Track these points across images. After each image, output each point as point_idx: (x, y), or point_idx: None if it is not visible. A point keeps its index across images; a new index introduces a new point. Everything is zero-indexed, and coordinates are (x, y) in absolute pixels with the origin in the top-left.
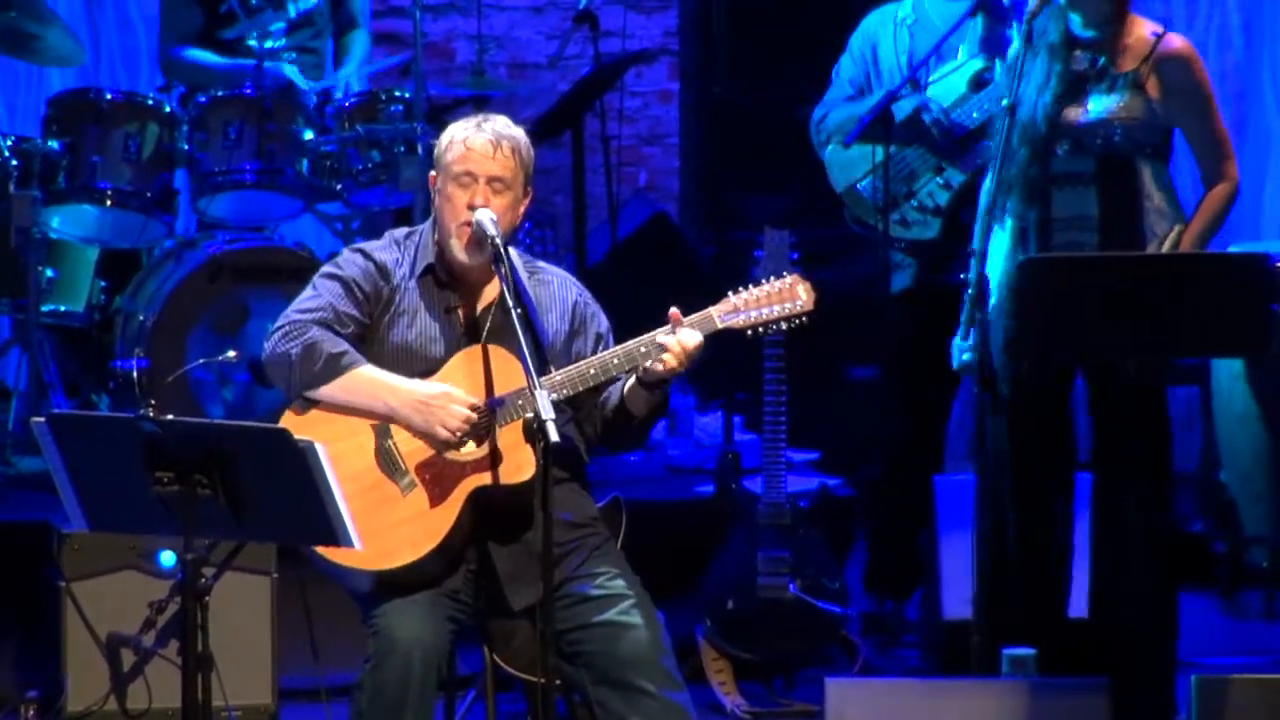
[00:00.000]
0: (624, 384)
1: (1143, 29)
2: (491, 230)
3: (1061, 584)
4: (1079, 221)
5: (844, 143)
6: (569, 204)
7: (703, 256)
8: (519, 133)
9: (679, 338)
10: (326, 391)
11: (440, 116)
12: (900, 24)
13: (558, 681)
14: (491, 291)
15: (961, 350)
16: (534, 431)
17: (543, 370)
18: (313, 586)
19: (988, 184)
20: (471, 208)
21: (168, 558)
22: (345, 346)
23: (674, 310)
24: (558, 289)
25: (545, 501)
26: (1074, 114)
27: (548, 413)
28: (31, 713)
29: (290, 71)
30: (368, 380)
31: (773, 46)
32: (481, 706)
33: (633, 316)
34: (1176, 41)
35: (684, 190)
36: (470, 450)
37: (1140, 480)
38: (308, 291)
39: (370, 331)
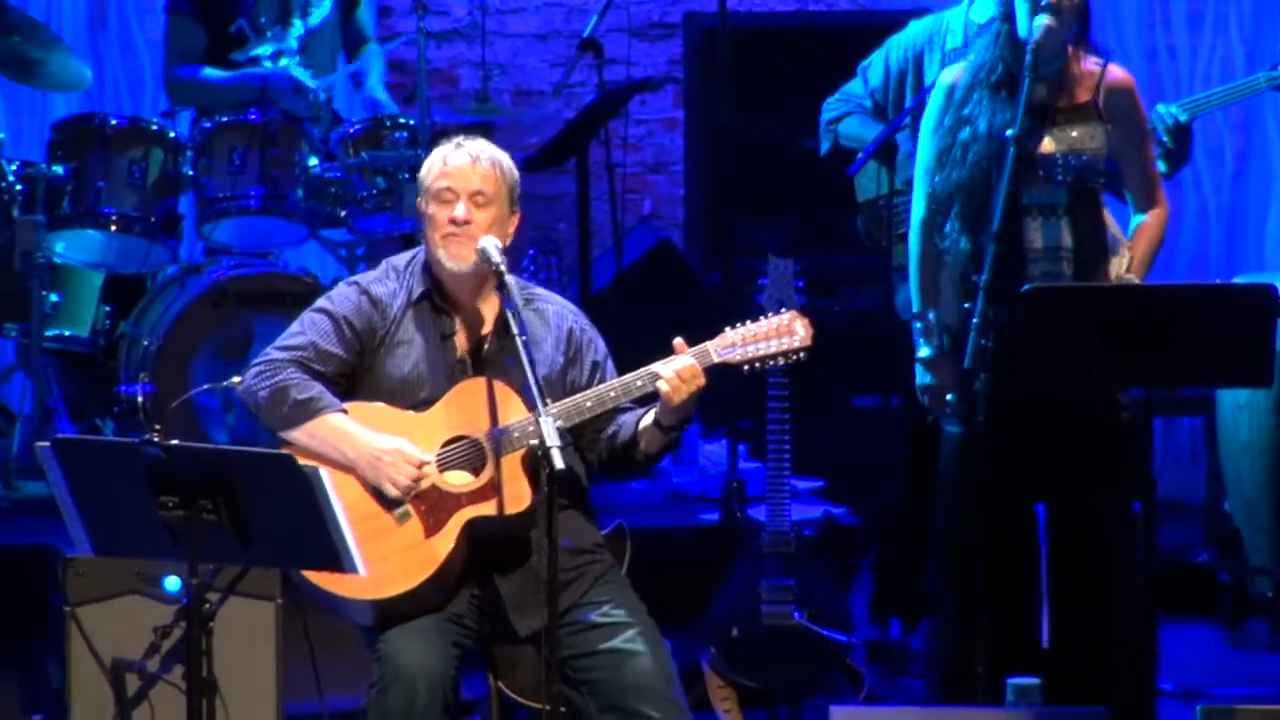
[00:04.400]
0: (639, 420)
1: (1085, 61)
2: (496, 258)
3: (1034, 614)
4: (1055, 252)
5: (847, 172)
6: (573, 231)
7: (707, 284)
8: (500, 152)
9: (674, 367)
10: (293, 435)
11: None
12: (948, 54)
13: (562, 709)
14: (488, 318)
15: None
16: (539, 458)
17: (540, 401)
18: (315, 612)
19: (917, 209)
20: (454, 221)
21: (172, 583)
22: (314, 392)
23: (678, 341)
24: (553, 317)
25: (551, 528)
26: (1045, 146)
27: (553, 440)
28: None
29: (297, 72)
30: (330, 429)
31: (777, 75)
32: None
33: (636, 344)
34: (1119, 72)
35: (688, 218)
36: (467, 481)
37: (1115, 508)
38: (294, 326)
39: (365, 365)
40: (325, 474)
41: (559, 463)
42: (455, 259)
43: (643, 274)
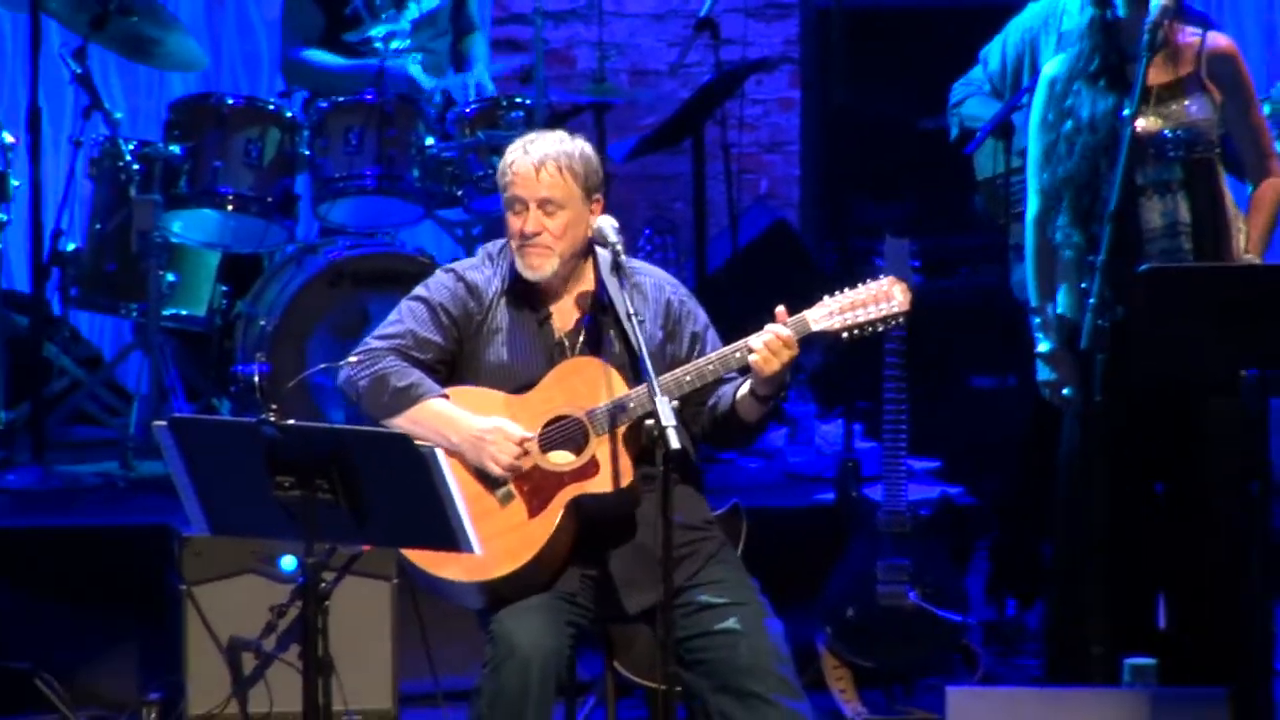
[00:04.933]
0: (736, 390)
1: (1183, 33)
2: (613, 238)
3: (1150, 596)
4: (1173, 229)
5: (964, 151)
6: (689, 211)
7: (822, 264)
8: (572, 146)
9: (764, 339)
10: (395, 423)
11: (561, 123)
12: (1064, 35)
13: (678, 688)
14: (582, 303)
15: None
16: (653, 438)
17: (637, 374)
18: (406, 594)
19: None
20: (524, 234)
21: (289, 562)
22: (413, 378)
23: (779, 309)
24: (650, 290)
25: (666, 507)
26: (1151, 124)
27: (668, 419)
28: (153, 716)
29: (414, 70)
30: (431, 414)
31: (893, 54)
32: (602, 712)
33: (752, 323)
34: (1220, 40)
35: (804, 198)
36: (569, 460)
37: (1232, 489)
38: (392, 315)
39: (465, 351)
40: (441, 453)
41: (675, 443)
42: (530, 269)
43: (759, 254)
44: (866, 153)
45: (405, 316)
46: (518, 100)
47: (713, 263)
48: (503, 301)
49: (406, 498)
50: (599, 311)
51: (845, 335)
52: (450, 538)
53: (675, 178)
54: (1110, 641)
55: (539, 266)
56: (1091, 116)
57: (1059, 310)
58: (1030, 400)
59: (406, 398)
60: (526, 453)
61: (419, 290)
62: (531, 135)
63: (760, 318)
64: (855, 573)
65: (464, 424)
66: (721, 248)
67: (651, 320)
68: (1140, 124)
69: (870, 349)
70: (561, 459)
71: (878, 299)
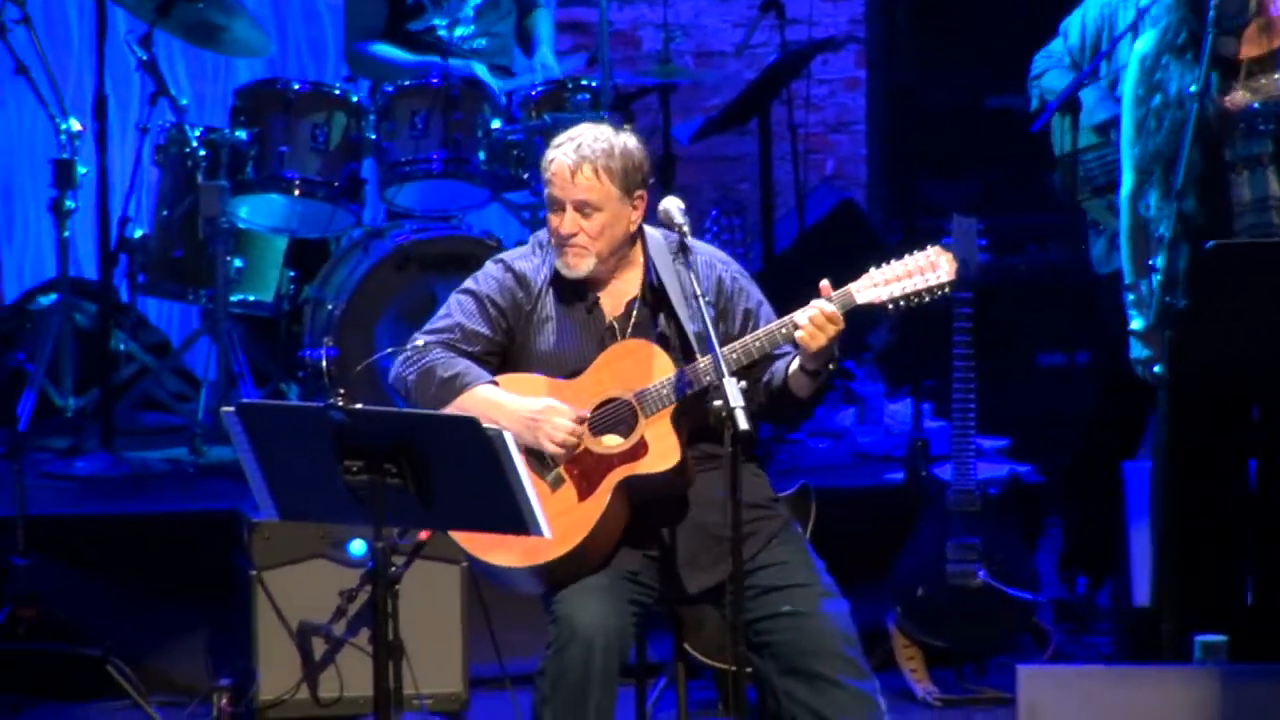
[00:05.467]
0: (788, 366)
1: (1274, 6)
2: (679, 219)
3: (1240, 570)
4: (1263, 203)
5: (1030, 130)
6: (756, 192)
7: (890, 244)
8: (613, 143)
9: (809, 315)
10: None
11: (627, 105)
12: (1141, 10)
13: (748, 669)
14: (630, 286)
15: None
16: (723, 419)
17: (689, 358)
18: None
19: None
20: (559, 234)
21: (358, 546)
22: (460, 368)
23: (824, 284)
24: (702, 268)
25: (735, 488)
26: (1241, 98)
27: (737, 400)
28: (224, 701)
29: (480, 71)
30: (481, 401)
31: (958, 33)
32: (672, 694)
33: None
34: None
35: (871, 177)
36: (616, 442)
37: None
38: (441, 310)
39: (515, 342)
40: (509, 436)
41: (744, 423)
42: (567, 268)
43: (826, 234)
44: (932, 132)
45: (453, 310)
46: (583, 83)
47: (780, 243)
48: (551, 289)
49: (475, 481)
50: (649, 294)
51: (891, 307)
52: (519, 521)
53: (741, 158)
54: (1182, 618)
55: (575, 266)
56: (1179, 92)
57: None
58: (1102, 376)
59: (453, 387)
60: (580, 431)
61: (467, 283)
62: (574, 130)
63: None
64: (925, 552)
65: (513, 407)
66: (788, 228)
67: (698, 298)
68: (1229, 98)
69: (938, 328)
70: (611, 441)
71: (923, 269)
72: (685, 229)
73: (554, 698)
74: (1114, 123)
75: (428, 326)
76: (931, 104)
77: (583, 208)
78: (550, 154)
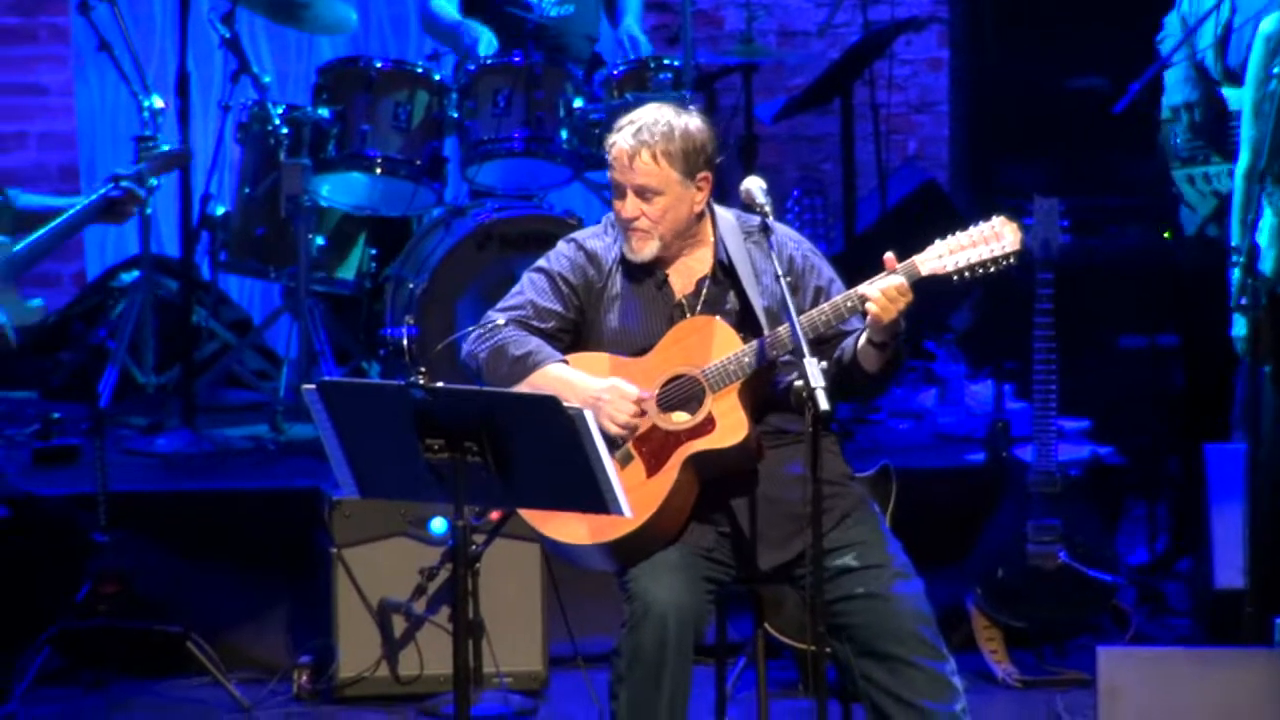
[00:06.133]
0: (856, 342)
1: None
2: (761, 199)
3: None
4: None
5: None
6: (838, 171)
7: (972, 224)
8: (674, 125)
9: (880, 287)
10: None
11: (709, 84)
12: None
13: (828, 649)
14: (701, 264)
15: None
16: (803, 399)
17: (756, 333)
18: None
19: (1241, 158)
20: (626, 218)
21: (438, 525)
22: (531, 346)
23: (888, 256)
24: (773, 246)
25: (815, 469)
26: None
27: (817, 380)
28: (304, 678)
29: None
30: (550, 379)
31: (1042, 14)
32: (752, 673)
33: None
34: None
35: (953, 158)
36: (684, 419)
37: None
38: (514, 288)
39: (586, 320)
40: (590, 415)
41: (824, 404)
42: (632, 251)
43: (907, 214)
44: (1015, 112)
45: (525, 288)
46: (665, 62)
47: (861, 223)
48: (621, 268)
49: (555, 460)
50: (719, 272)
51: (956, 278)
52: (599, 500)
53: (823, 138)
54: (1262, 602)
55: (639, 249)
56: None
57: (1261, 266)
58: (1190, 357)
59: (524, 365)
60: (643, 412)
61: (540, 262)
62: (636, 112)
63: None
64: (1005, 533)
65: (581, 386)
66: (870, 208)
67: (774, 277)
68: None
69: (1019, 309)
70: (679, 418)
71: (987, 239)
72: (767, 209)
73: (629, 675)
74: (1189, 105)
75: (500, 304)
76: (1014, 85)
77: (643, 192)
78: (611, 137)
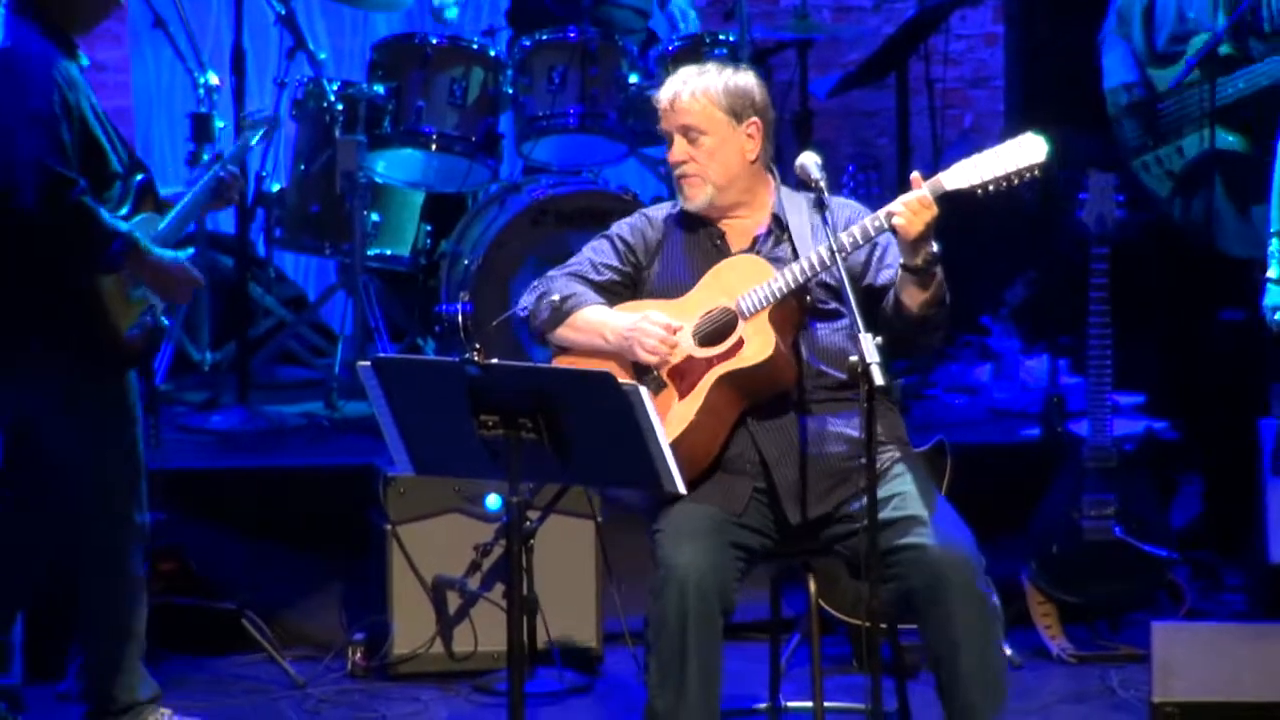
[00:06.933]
0: (896, 291)
1: None
2: (816, 174)
3: None
4: None
5: (1169, 85)
6: (893, 147)
7: (1027, 199)
8: (717, 75)
9: (904, 200)
10: (558, 334)
11: (764, 60)
12: None
13: (882, 625)
14: (758, 222)
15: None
16: (859, 374)
17: (802, 293)
18: (619, 538)
19: None
20: (673, 164)
21: (493, 501)
22: (573, 290)
23: (914, 175)
24: (834, 211)
25: (870, 449)
26: None
27: (872, 356)
28: (358, 655)
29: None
30: (587, 320)
31: None
32: (805, 649)
33: (955, 259)
34: None
35: (1008, 133)
36: (715, 347)
37: None
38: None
39: (642, 276)
40: (645, 392)
41: (879, 379)
42: (686, 200)
43: None
44: (1070, 87)
45: (585, 251)
46: (721, 37)
47: None
48: (679, 226)
49: (610, 436)
50: (776, 229)
51: (980, 192)
52: (654, 477)
53: (879, 113)
54: None
55: (693, 196)
56: None
57: None
58: (1244, 333)
59: (563, 310)
60: (674, 345)
61: (605, 231)
62: (684, 68)
63: (962, 254)
64: (1060, 508)
65: (614, 323)
66: None
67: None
68: None
69: (1073, 284)
70: (713, 347)
71: (1012, 152)
72: (823, 184)
73: (656, 642)
74: (1128, 86)
75: (560, 266)
76: (1069, 60)
77: (687, 132)
78: (656, 92)
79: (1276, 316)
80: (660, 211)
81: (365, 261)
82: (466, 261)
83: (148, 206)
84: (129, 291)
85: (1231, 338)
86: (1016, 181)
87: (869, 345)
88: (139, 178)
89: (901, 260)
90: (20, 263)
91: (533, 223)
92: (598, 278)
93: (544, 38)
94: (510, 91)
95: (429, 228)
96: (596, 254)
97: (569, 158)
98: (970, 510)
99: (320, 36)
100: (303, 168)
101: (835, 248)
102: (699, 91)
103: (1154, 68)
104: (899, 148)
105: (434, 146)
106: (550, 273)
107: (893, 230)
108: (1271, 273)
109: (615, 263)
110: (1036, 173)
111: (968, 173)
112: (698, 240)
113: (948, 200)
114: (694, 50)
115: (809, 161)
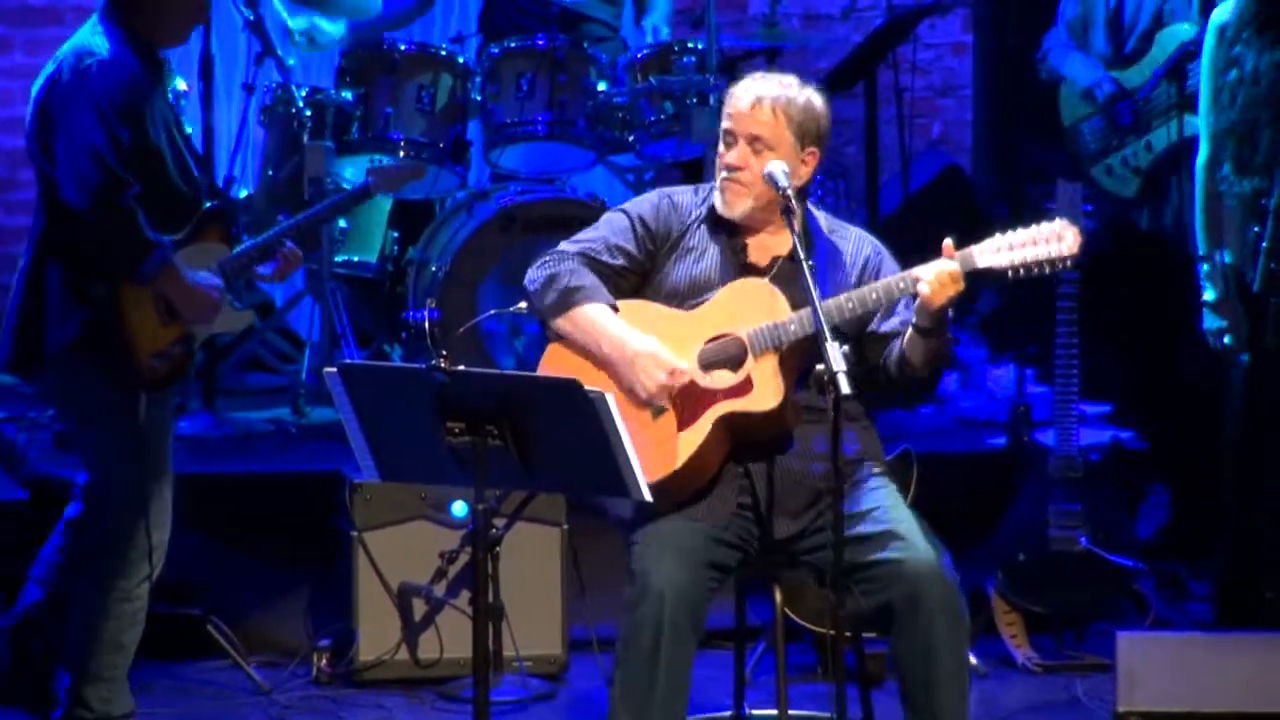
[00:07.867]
0: (904, 339)
1: None
2: (783, 182)
3: None
4: None
5: (1139, 96)
6: (861, 155)
7: (995, 209)
8: (797, 93)
9: (935, 271)
10: (558, 323)
11: (733, 68)
12: None
13: (847, 634)
14: (782, 244)
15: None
16: (825, 382)
17: (812, 340)
18: (587, 543)
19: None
20: (728, 165)
21: (459, 508)
22: (585, 282)
23: (947, 243)
24: (853, 245)
25: (835, 455)
26: None
27: (839, 365)
28: (323, 661)
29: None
30: (591, 320)
31: None
32: (771, 658)
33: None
34: None
35: (977, 142)
36: (723, 378)
37: None
38: (593, 224)
39: (655, 266)
40: (612, 399)
41: (846, 388)
42: (725, 205)
43: (930, 199)
44: (1039, 97)
45: (602, 225)
46: (689, 45)
47: (884, 208)
48: (704, 225)
49: (577, 444)
50: (798, 256)
51: (1010, 274)
52: (620, 484)
53: (847, 122)
54: None
55: (733, 204)
56: (1255, 68)
57: (1225, 258)
58: (1203, 346)
59: (569, 300)
60: (673, 387)
61: (624, 204)
62: (764, 74)
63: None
64: (1026, 518)
65: (619, 339)
66: (893, 192)
67: (848, 271)
68: None
69: (1042, 293)
70: (719, 377)
71: (1048, 239)
72: (789, 193)
73: (625, 656)
74: (1098, 84)
75: (574, 237)
76: (1038, 69)
77: (754, 142)
78: (734, 90)
79: (1217, 342)
80: (684, 198)
81: (333, 268)
82: (434, 268)
83: (211, 236)
84: (160, 316)
85: (1198, 346)
86: (1048, 270)
87: (835, 354)
88: (207, 205)
89: (915, 321)
90: (53, 258)
91: (500, 230)
92: (611, 262)
93: (512, 45)
94: (478, 98)
95: (396, 234)
96: (612, 233)
97: (537, 165)
98: (936, 519)
99: (288, 42)
100: (270, 173)
101: (855, 302)
102: (780, 107)
103: (1119, 69)
104: (867, 157)
105: (402, 153)
106: (562, 245)
107: (913, 295)
108: (1206, 296)
109: (630, 247)
110: (1069, 264)
111: (1001, 253)
112: (720, 247)
113: (918, 205)
114: (662, 58)
115: (776, 170)
